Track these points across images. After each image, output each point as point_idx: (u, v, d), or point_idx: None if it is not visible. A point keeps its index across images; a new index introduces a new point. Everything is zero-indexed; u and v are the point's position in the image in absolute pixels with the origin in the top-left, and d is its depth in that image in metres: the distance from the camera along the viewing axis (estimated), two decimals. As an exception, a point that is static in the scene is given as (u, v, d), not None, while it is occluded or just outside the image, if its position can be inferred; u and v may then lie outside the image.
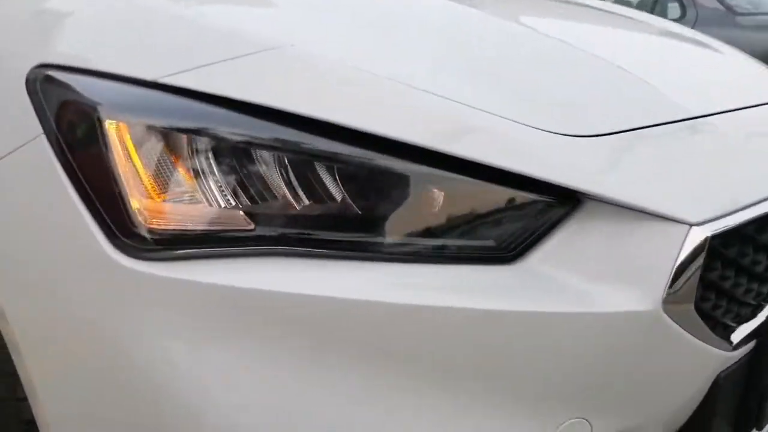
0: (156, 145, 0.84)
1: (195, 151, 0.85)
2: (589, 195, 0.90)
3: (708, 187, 0.99)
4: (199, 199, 0.85)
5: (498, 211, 0.90)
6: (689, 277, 0.91)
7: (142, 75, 0.85)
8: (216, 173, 0.85)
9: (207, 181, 0.85)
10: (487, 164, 0.88)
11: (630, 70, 1.14)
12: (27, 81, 0.88)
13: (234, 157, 0.85)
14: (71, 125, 0.85)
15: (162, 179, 0.84)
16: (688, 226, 0.90)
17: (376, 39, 1.04)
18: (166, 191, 0.85)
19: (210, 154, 0.85)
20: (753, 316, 1.10)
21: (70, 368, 0.90)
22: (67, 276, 0.86)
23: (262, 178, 0.86)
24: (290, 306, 0.84)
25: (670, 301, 0.90)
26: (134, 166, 0.84)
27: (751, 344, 1.08)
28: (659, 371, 0.95)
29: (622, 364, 0.92)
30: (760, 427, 1.17)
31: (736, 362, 1.06)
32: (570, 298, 0.88)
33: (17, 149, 0.87)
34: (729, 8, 5.68)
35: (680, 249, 0.90)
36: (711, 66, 1.47)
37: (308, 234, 0.87)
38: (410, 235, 0.89)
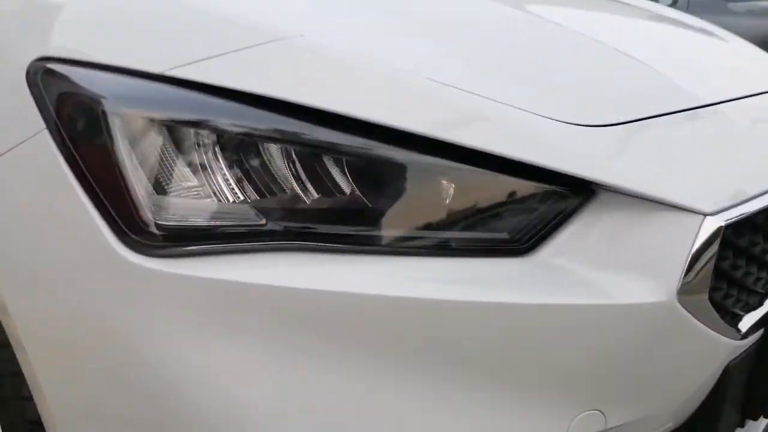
0: (163, 139, 0.82)
1: (203, 145, 0.83)
2: (602, 185, 0.89)
3: (720, 176, 0.98)
4: (209, 193, 0.83)
5: (511, 202, 0.89)
6: (703, 267, 0.90)
7: (147, 67, 0.83)
8: (225, 167, 0.83)
9: (217, 176, 0.83)
10: (499, 155, 0.86)
11: (639, 58, 1.13)
12: (27, 74, 0.86)
13: (244, 150, 0.84)
14: (75, 119, 0.83)
15: (170, 174, 0.83)
16: (702, 216, 0.90)
17: (385, 29, 1.02)
18: (175, 186, 0.83)
19: (219, 148, 0.83)
20: (760, 304, 1.09)
21: (76, 365, 0.88)
22: (74, 273, 0.84)
23: (272, 172, 0.84)
24: (301, 302, 0.83)
25: (684, 291, 0.89)
26: (141, 160, 0.82)
27: (759, 333, 1.07)
28: (672, 361, 0.95)
29: (635, 355, 0.91)
30: (768, 415, 1.17)
31: (744, 351, 1.06)
32: (584, 290, 0.87)
33: (19, 145, 0.85)
34: (721, -6, 5.68)
35: (695, 239, 0.89)
36: (716, 53, 1.46)
37: (319, 228, 0.86)
38: (422, 228, 0.88)
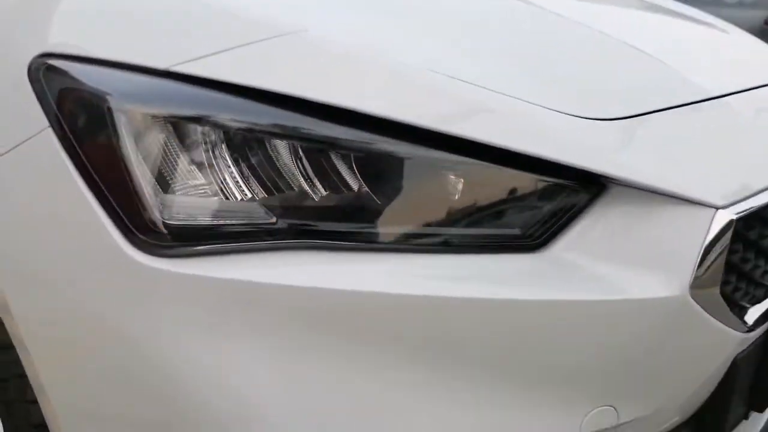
0: (170, 136, 0.81)
1: (211, 142, 0.82)
2: (613, 179, 0.88)
3: (729, 169, 0.98)
4: (217, 191, 0.82)
5: (521, 197, 0.88)
6: (715, 261, 0.90)
7: (153, 63, 0.81)
8: (234, 164, 0.82)
9: (225, 173, 0.82)
10: (507, 149, 0.85)
11: (645, 50, 1.12)
12: (29, 71, 0.84)
13: (252, 147, 0.82)
14: (79, 117, 0.82)
15: (177, 171, 0.81)
16: (714, 209, 0.89)
17: (389, 23, 1.00)
18: (182, 184, 0.81)
19: (226, 144, 0.82)
20: (765, 296, 1.09)
21: (81, 366, 0.87)
22: (78, 273, 0.83)
23: (281, 169, 0.83)
24: (313, 300, 0.82)
25: (696, 285, 0.89)
26: (148, 158, 0.80)
27: (766, 325, 1.07)
28: (682, 355, 0.95)
29: (647, 349, 0.91)
30: (776, 407, 1.17)
31: (751, 343, 1.06)
32: (597, 286, 0.87)
33: (21, 143, 0.83)
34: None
35: (707, 233, 0.88)
36: (719, 45, 1.46)
37: (328, 226, 0.85)
38: (433, 224, 0.87)
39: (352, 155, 0.84)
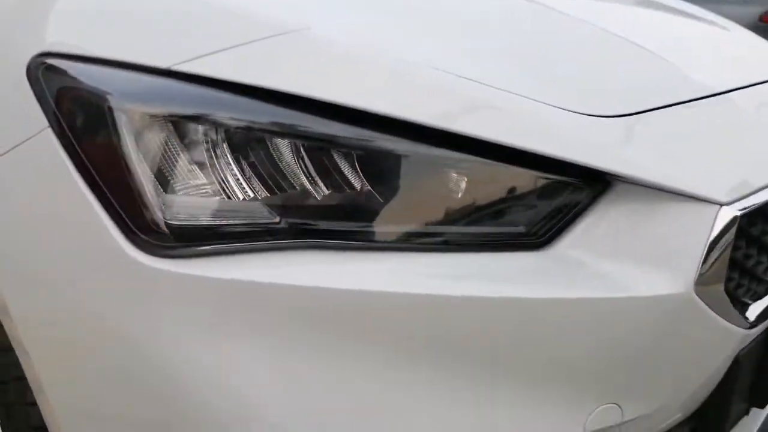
0: (172, 136, 0.80)
1: (213, 141, 0.81)
2: (617, 176, 0.87)
3: (732, 165, 0.97)
4: (220, 191, 0.81)
5: (526, 195, 0.88)
6: (719, 258, 0.90)
7: (154, 62, 0.80)
8: (236, 164, 0.81)
9: (227, 173, 0.81)
10: (511, 146, 0.85)
11: (648, 48, 1.12)
12: (28, 71, 0.83)
13: (254, 146, 0.81)
14: (79, 117, 0.81)
15: (179, 171, 0.80)
16: (718, 206, 0.89)
17: (392, 22, 1.00)
18: (185, 184, 0.81)
19: (229, 144, 0.81)
20: (766, 293, 1.09)
21: (80, 367, 0.86)
22: (79, 273, 0.82)
23: (284, 168, 0.82)
24: (313, 300, 0.81)
25: (701, 282, 0.89)
26: (149, 158, 0.80)
27: (767, 322, 1.07)
28: (686, 353, 0.95)
29: (652, 347, 0.91)
30: (775, 402, 1.17)
31: (753, 340, 1.06)
32: (601, 283, 0.86)
33: (21, 144, 0.82)
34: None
35: (711, 229, 0.88)
36: (720, 42, 1.46)
37: (331, 225, 0.84)
38: (437, 223, 0.87)
39: (354, 154, 0.83)
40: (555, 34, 1.13)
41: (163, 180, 0.80)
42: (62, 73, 0.82)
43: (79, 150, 0.80)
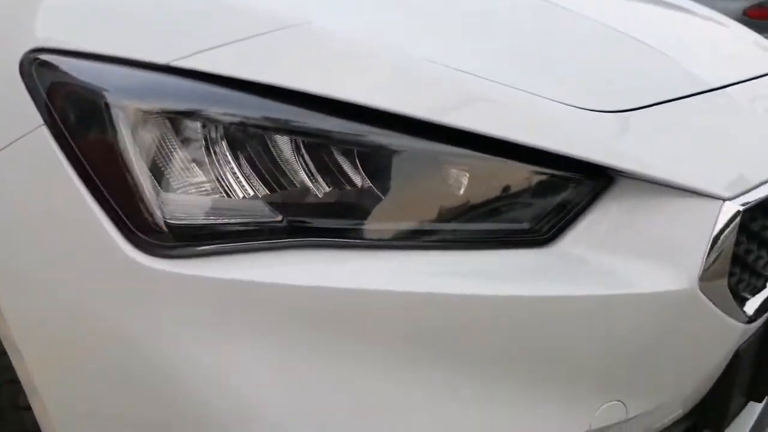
0: (170, 133, 0.78)
1: (212, 138, 0.79)
2: (620, 172, 0.87)
3: (734, 160, 0.97)
4: (221, 189, 0.80)
5: (530, 191, 0.87)
6: (722, 253, 0.89)
7: (151, 58, 0.79)
8: (238, 161, 0.80)
9: (229, 171, 0.79)
10: (514, 142, 0.84)
11: (648, 43, 1.12)
12: (21, 67, 0.81)
13: (256, 143, 0.80)
14: (75, 114, 0.79)
15: (179, 169, 0.79)
16: (721, 201, 0.89)
17: (394, 16, 0.98)
18: (184, 182, 0.79)
19: (230, 141, 0.79)
20: (764, 287, 1.09)
21: (77, 368, 0.85)
22: (76, 273, 0.80)
23: (288, 166, 0.81)
24: (314, 300, 0.80)
25: (705, 278, 0.88)
26: (148, 155, 0.78)
27: (765, 316, 1.07)
28: (688, 348, 0.95)
29: (656, 343, 0.90)
30: (773, 395, 1.18)
31: (752, 334, 1.06)
32: (604, 280, 0.86)
33: (15, 141, 0.80)
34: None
35: (714, 225, 0.88)
36: (718, 38, 1.46)
37: (333, 223, 0.83)
38: (439, 220, 0.86)
39: (356, 150, 0.82)
40: (556, 29, 1.12)
41: (162, 178, 0.78)
42: (56, 69, 0.80)
43: (75, 148, 0.78)
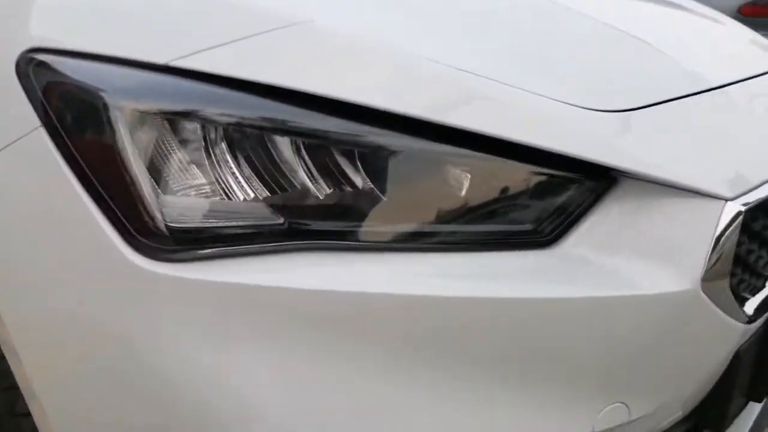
0: (170, 134, 0.77)
1: (214, 140, 0.78)
2: (623, 172, 0.86)
3: (735, 160, 0.97)
4: (223, 192, 0.79)
5: (532, 192, 0.86)
6: (725, 254, 0.89)
7: (150, 58, 0.78)
8: (239, 163, 0.79)
9: (230, 173, 0.79)
10: (516, 142, 0.84)
11: (649, 42, 1.11)
12: (17, 67, 0.80)
13: (257, 144, 0.79)
14: (73, 115, 0.78)
15: (179, 171, 0.78)
16: (723, 201, 0.88)
17: (396, 14, 0.98)
18: (185, 184, 0.78)
19: (231, 142, 0.79)
20: (763, 286, 1.09)
21: (80, 372, 0.84)
22: (75, 277, 0.80)
23: (289, 168, 0.80)
24: (315, 303, 0.80)
25: (707, 278, 0.88)
26: (147, 157, 0.77)
27: (765, 316, 1.07)
28: (690, 349, 0.94)
29: (659, 344, 0.90)
30: (772, 395, 1.18)
31: (753, 335, 1.05)
32: (607, 281, 0.85)
33: (12, 144, 0.79)
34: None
35: (716, 225, 0.88)
36: (717, 36, 1.46)
37: (333, 226, 0.82)
38: (443, 222, 0.85)
39: (357, 151, 0.81)
40: (557, 28, 1.12)
41: (162, 180, 0.77)
42: (54, 69, 0.79)
43: (73, 149, 0.77)
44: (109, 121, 0.76)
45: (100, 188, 0.77)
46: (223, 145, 0.79)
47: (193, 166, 0.78)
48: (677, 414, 1.03)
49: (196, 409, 0.81)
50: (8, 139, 0.79)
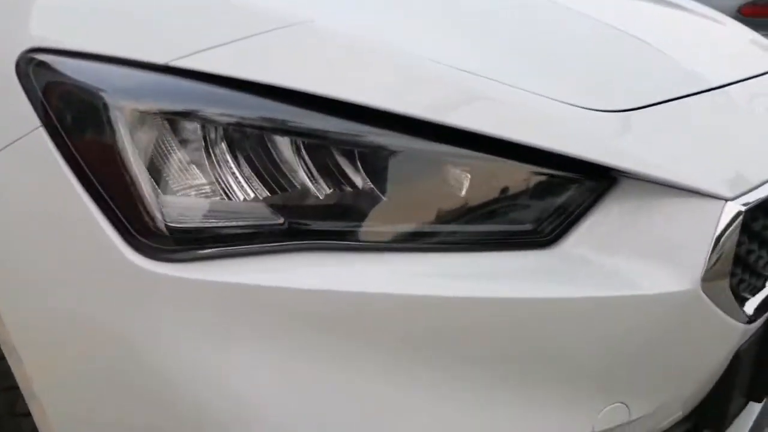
0: (170, 134, 0.77)
1: (214, 140, 0.78)
2: (623, 172, 0.86)
3: (735, 159, 0.97)
4: (223, 192, 0.79)
5: (533, 192, 0.86)
6: (725, 254, 0.89)
7: (150, 58, 0.78)
8: (240, 163, 0.79)
9: (231, 173, 0.79)
10: (517, 142, 0.83)
11: (648, 42, 1.11)
12: (17, 67, 0.79)
13: (257, 144, 0.79)
14: (73, 115, 0.77)
15: (179, 171, 0.78)
16: (723, 201, 0.88)
17: (396, 14, 0.98)
18: (185, 184, 0.78)
19: (231, 142, 0.78)
20: (763, 286, 1.09)
21: (80, 372, 0.84)
22: (76, 277, 0.80)
23: (290, 168, 0.80)
24: (316, 303, 0.80)
25: (707, 278, 0.88)
26: (147, 157, 0.77)
27: (765, 316, 1.07)
28: (691, 349, 0.94)
29: (659, 344, 0.90)
30: (771, 395, 1.18)
31: (752, 335, 1.05)
32: (608, 281, 0.85)
33: (12, 144, 0.79)
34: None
35: (717, 225, 0.88)
36: (717, 36, 1.46)
37: (333, 226, 0.82)
38: (444, 222, 0.85)
39: (358, 151, 0.81)
40: (557, 28, 1.12)
41: (162, 180, 0.77)
42: (54, 69, 0.79)
43: (73, 149, 0.77)
44: (109, 121, 0.76)
45: (100, 188, 0.77)
46: (223, 145, 0.79)
47: (193, 166, 0.78)
48: (677, 414, 1.03)
49: (196, 409, 0.81)
50: (8, 139, 0.79)
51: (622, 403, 0.90)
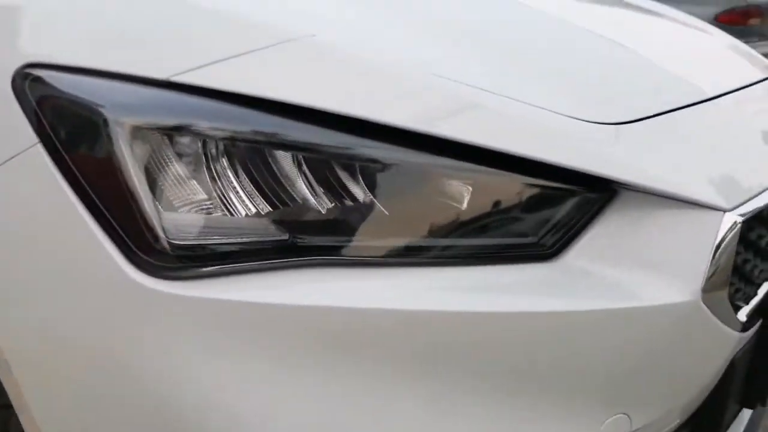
0: (171, 150, 0.76)
1: (215, 155, 0.77)
2: (624, 185, 0.87)
3: (732, 170, 0.98)
4: (226, 208, 0.78)
5: (534, 205, 0.86)
6: (724, 264, 0.90)
7: (150, 73, 0.77)
8: (242, 179, 0.78)
9: (233, 189, 0.78)
10: (517, 155, 0.83)
11: (642, 54, 1.12)
12: (13, 83, 0.78)
13: (260, 160, 0.78)
14: (72, 131, 0.76)
15: (180, 187, 0.77)
16: (722, 212, 0.89)
17: (397, 29, 0.98)
18: (187, 201, 0.77)
19: (233, 158, 0.78)
20: (755, 294, 1.10)
21: (77, 391, 0.83)
22: (77, 295, 0.78)
23: (288, 183, 0.79)
24: (319, 320, 0.79)
25: (707, 289, 0.88)
26: (148, 173, 0.76)
27: (758, 324, 1.08)
28: (689, 358, 0.95)
29: (660, 355, 0.90)
30: (765, 404, 1.19)
31: (747, 342, 1.06)
32: (609, 293, 0.85)
33: (9, 160, 0.78)
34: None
35: (716, 236, 0.88)
36: (708, 47, 1.47)
37: (337, 241, 0.82)
38: (446, 236, 0.85)
39: (360, 165, 0.81)
40: (556, 41, 1.12)
41: (163, 196, 0.76)
42: (50, 85, 0.78)
43: (72, 166, 0.76)
44: (109, 137, 0.75)
45: (100, 205, 0.75)
46: (224, 161, 0.78)
47: (194, 181, 0.77)
48: (675, 422, 1.03)
49: (198, 428, 0.80)
50: (5, 155, 0.78)
51: (624, 414, 0.90)
